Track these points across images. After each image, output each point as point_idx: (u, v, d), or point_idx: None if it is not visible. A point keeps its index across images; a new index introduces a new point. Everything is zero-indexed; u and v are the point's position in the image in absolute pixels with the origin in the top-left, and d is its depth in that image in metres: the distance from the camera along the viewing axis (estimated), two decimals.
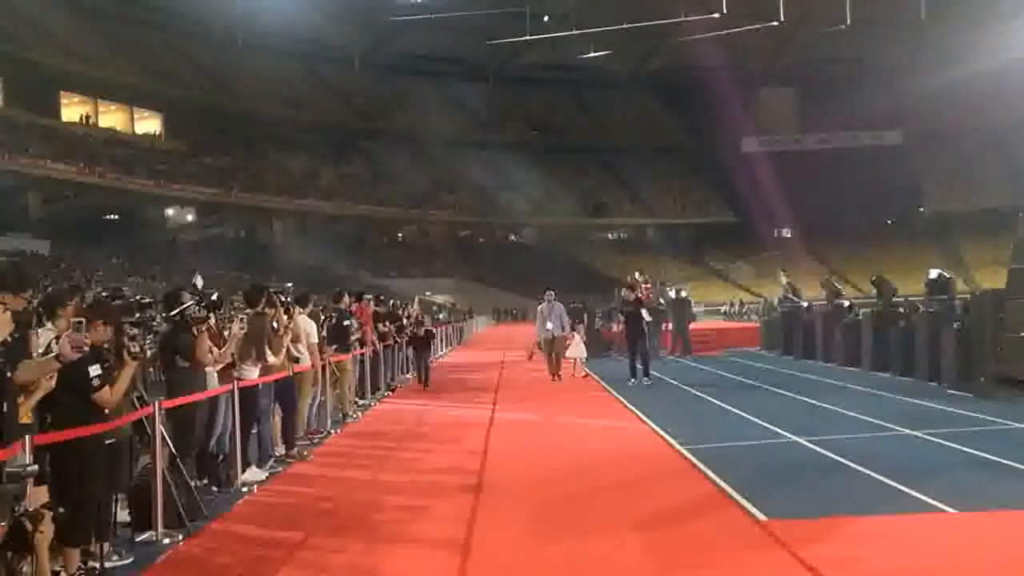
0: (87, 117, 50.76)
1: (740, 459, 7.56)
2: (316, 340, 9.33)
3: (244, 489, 6.94)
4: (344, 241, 58.40)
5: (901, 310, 15.39)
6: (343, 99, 65.86)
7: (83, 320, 4.33)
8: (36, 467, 4.04)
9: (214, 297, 7.09)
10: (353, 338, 11.58)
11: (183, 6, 55.00)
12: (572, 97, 73.18)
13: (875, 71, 65.13)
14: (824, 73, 66.18)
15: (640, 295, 15.63)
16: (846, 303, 18.62)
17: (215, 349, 6.77)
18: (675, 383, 14.25)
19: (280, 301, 8.20)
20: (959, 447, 7.55)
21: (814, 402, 11.08)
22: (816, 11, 56.40)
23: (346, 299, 11.80)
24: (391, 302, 17.92)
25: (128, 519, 5.58)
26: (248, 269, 43.36)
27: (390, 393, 14.08)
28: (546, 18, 57.92)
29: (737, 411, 10.49)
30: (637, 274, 21.29)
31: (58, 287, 7.51)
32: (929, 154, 66.02)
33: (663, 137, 72.10)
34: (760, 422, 9.51)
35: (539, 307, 16.31)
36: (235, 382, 7.03)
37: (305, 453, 8.45)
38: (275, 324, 7.96)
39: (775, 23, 52.34)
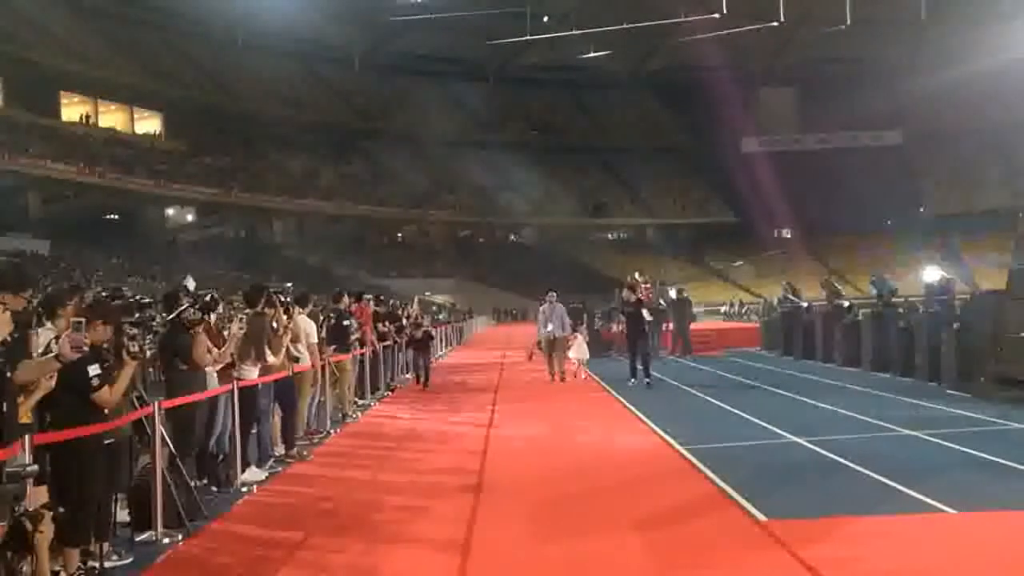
0: (87, 117, 50.77)
1: (740, 459, 7.56)
2: (316, 340, 9.34)
3: (244, 489, 6.94)
4: (344, 241, 58.46)
5: (900, 310, 15.41)
6: (343, 99, 65.87)
7: (83, 320, 4.32)
8: (36, 467, 4.04)
9: (208, 298, 7.08)
10: (353, 338, 11.58)
11: (183, 6, 55.01)
12: (572, 97, 73.17)
13: (875, 71, 65.15)
14: (824, 73, 66.19)
15: (641, 295, 15.61)
16: (846, 303, 18.63)
17: (214, 349, 6.77)
18: (675, 383, 14.25)
19: (280, 301, 8.20)
20: (959, 447, 7.55)
21: (814, 402, 11.08)
22: (816, 11, 56.41)
23: (346, 299, 11.79)
24: (391, 302, 17.92)
25: (128, 519, 5.58)
26: (248, 269, 43.38)
27: (390, 393, 14.08)
28: (546, 18, 57.90)
29: (737, 411, 10.49)
30: (637, 274, 21.27)
31: (58, 287, 7.50)
32: (929, 154, 66.04)
33: (663, 137, 72.11)
34: (760, 422, 9.51)
35: (540, 308, 16.23)
36: (235, 382, 7.04)
37: (305, 453, 8.45)
38: (274, 324, 7.96)
39: (775, 23, 52.33)
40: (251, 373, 7.47)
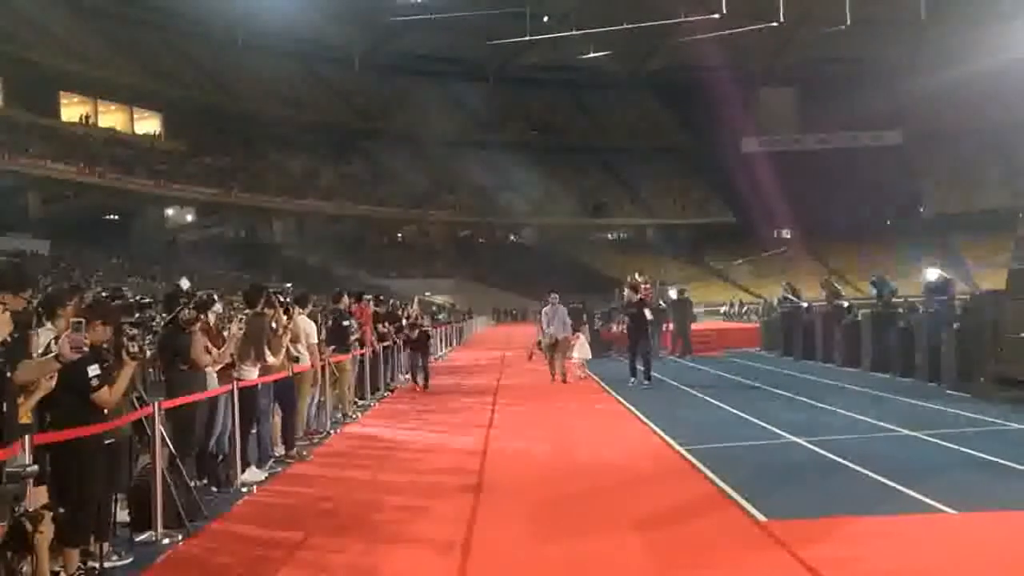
0: (87, 117, 50.78)
1: (740, 459, 7.55)
2: (316, 340, 9.34)
3: (244, 489, 6.94)
4: (344, 241, 58.45)
5: (900, 310, 15.40)
6: (343, 99, 65.87)
7: (83, 320, 4.32)
8: (36, 467, 4.04)
9: (204, 297, 7.08)
10: (353, 338, 11.57)
11: (183, 6, 55.02)
12: (572, 97, 73.19)
13: (875, 71, 65.15)
14: (824, 73, 66.20)
15: (643, 295, 15.58)
16: (845, 303, 18.62)
17: (214, 349, 6.78)
18: (675, 383, 14.24)
19: (279, 301, 8.20)
20: (959, 447, 7.55)
21: (814, 403, 11.08)
22: (816, 11, 56.41)
23: (345, 299, 11.79)
24: (390, 302, 17.91)
25: (128, 519, 5.58)
26: (248, 269, 43.39)
27: (389, 394, 14.08)
28: (546, 18, 57.91)
29: (737, 412, 10.49)
30: (637, 275, 21.26)
31: (58, 287, 7.50)
32: (929, 154, 66.05)
33: (663, 137, 72.12)
34: (760, 422, 9.51)
35: (543, 309, 16.15)
36: (235, 382, 7.04)
37: (305, 453, 8.45)
38: (274, 324, 7.96)
39: (775, 23, 52.33)
40: (251, 373, 7.47)
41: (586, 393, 13.59)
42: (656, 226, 69.42)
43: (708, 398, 12.10)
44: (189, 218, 56.27)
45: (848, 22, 52.02)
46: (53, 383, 4.28)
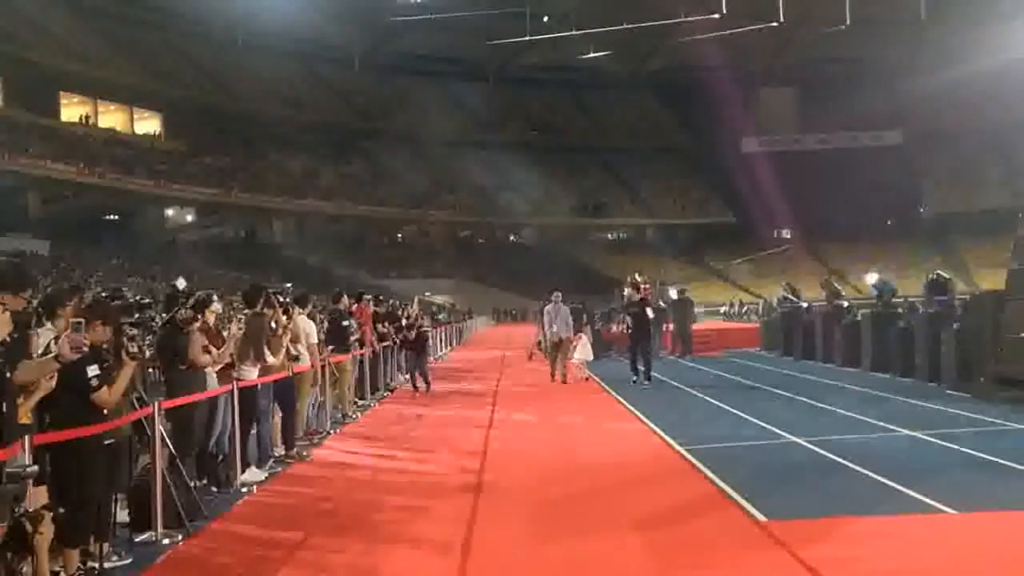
0: (87, 117, 50.77)
1: (740, 459, 7.55)
2: (316, 340, 9.34)
3: (244, 489, 6.94)
4: (344, 241, 58.44)
5: (900, 310, 15.40)
6: (343, 99, 65.86)
7: (82, 320, 4.32)
8: (36, 467, 4.04)
9: (201, 296, 7.08)
10: (353, 338, 11.57)
11: (183, 6, 55.01)
12: (572, 97, 73.18)
13: (875, 71, 65.13)
14: (824, 73, 66.18)
15: (643, 295, 15.55)
16: (845, 303, 18.62)
17: (213, 349, 6.78)
18: (675, 384, 14.24)
19: (278, 301, 8.19)
20: (959, 448, 7.55)
21: (814, 403, 11.08)
22: (816, 11, 56.40)
23: (345, 299, 11.79)
24: (389, 302, 17.90)
25: (128, 519, 5.58)
26: (248, 269, 43.35)
27: (389, 394, 14.08)
28: (546, 18, 57.90)
29: (737, 411, 10.49)
30: (637, 275, 21.24)
31: (58, 287, 7.50)
32: (929, 154, 66.02)
33: (663, 137, 72.10)
34: (760, 422, 9.50)
35: (545, 308, 16.04)
36: (234, 382, 7.04)
37: (304, 453, 8.45)
38: (273, 324, 7.96)
39: (775, 23, 52.32)
40: (251, 373, 7.47)
41: (586, 393, 13.58)
42: (656, 226, 69.40)
43: (708, 398, 12.10)
44: (189, 218, 56.26)
45: (848, 22, 52.02)
46: (53, 383, 4.28)
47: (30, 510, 3.85)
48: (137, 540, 5.42)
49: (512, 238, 71.28)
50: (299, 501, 6.77)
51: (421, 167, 62.59)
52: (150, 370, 8.62)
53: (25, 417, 4.21)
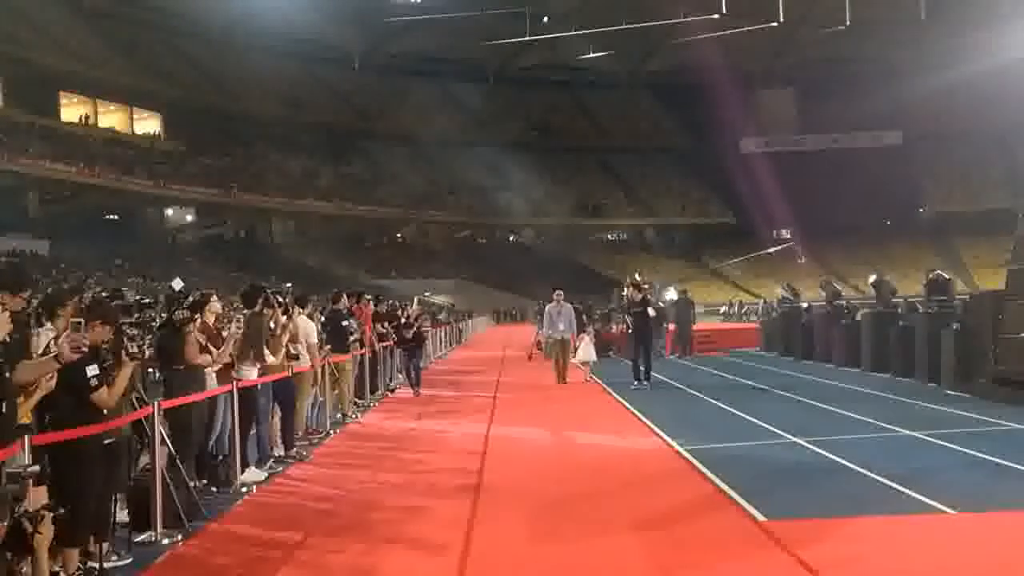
0: (86, 117, 50.76)
1: (740, 460, 7.54)
2: (316, 340, 9.33)
3: (243, 489, 6.93)
4: (343, 241, 58.45)
5: (900, 310, 15.39)
6: (343, 99, 65.87)
7: (82, 320, 4.32)
8: (36, 467, 4.03)
9: (198, 297, 7.08)
10: (352, 338, 11.56)
11: (183, 6, 55.02)
12: (572, 97, 73.20)
13: (875, 71, 65.18)
14: (824, 73, 66.23)
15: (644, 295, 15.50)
16: (844, 303, 18.61)
17: (213, 349, 6.77)
18: (675, 384, 14.24)
19: (277, 301, 8.19)
20: (958, 448, 7.54)
21: (813, 403, 11.07)
22: (816, 11, 56.45)
23: (344, 300, 11.77)
24: (389, 302, 17.88)
25: (127, 519, 5.58)
26: (247, 269, 43.34)
27: (389, 394, 14.08)
28: (546, 18, 57.96)
29: (736, 412, 10.49)
30: (637, 275, 21.23)
31: (58, 287, 7.51)
32: (929, 154, 66.07)
33: (663, 137, 72.15)
34: (759, 423, 9.50)
35: (547, 307, 15.90)
36: (234, 382, 7.04)
37: (304, 453, 8.45)
38: (273, 324, 7.95)
39: (775, 23, 52.35)
40: (250, 373, 7.47)
41: (586, 393, 13.58)
42: (655, 226, 69.44)
43: (708, 398, 12.10)
44: (189, 218, 56.27)
45: (848, 22, 52.07)
46: (53, 383, 4.28)
47: (30, 510, 3.85)
48: (137, 540, 5.42)
49: (511, 238, 71.28)
50: (298, 501, 6.77)
51: (420, 167, 62.63)
52: (150, 370, 8.63)
53: (25, 417, 4.21)
